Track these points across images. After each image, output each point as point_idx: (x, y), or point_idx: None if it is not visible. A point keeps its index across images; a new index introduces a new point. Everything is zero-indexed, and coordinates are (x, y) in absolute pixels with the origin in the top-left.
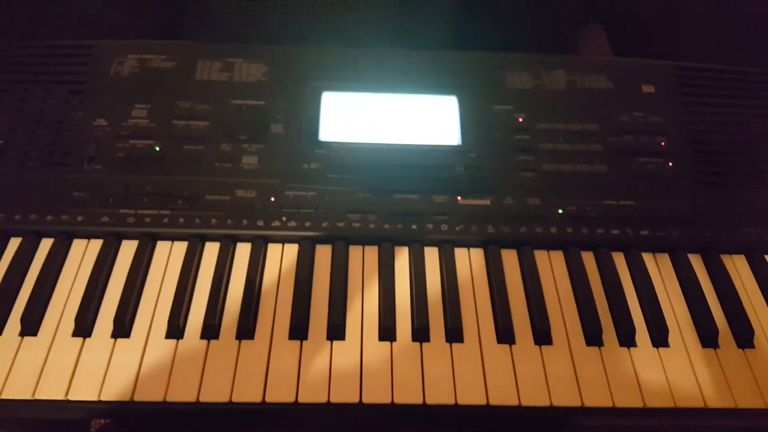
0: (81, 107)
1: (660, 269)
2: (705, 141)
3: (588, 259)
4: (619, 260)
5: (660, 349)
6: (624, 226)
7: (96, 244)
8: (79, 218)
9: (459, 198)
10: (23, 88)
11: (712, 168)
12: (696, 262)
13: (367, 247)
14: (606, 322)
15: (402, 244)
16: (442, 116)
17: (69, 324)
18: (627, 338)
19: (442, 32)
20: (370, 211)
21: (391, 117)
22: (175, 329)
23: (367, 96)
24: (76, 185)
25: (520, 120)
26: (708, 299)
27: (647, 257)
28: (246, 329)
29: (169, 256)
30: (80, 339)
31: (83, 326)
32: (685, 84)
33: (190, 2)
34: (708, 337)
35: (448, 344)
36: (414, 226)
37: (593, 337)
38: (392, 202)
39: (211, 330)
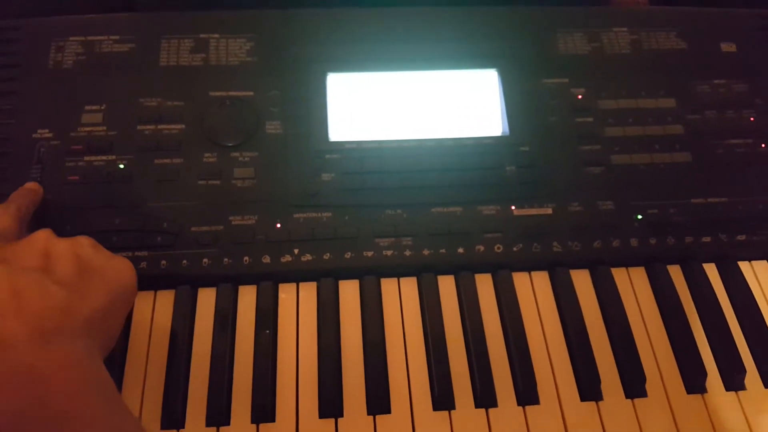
0: (14, 114)
1: (759, 280)
2: None
3: (674, 272)
4: (711, 272)
5: None
6: (716, 230)
7: None
8: None
9: (513, 208)
10: None
11: None
12: None
13: (403, 280)
14: (705, 358)
15: (447, 272)
16: (481, 97)
17: None
18: (735, 382)
19: None
20: (403, 233)
21: (418, 102)
22: (173, 419)
23: (385, 76)
24: None
25: (580, 97)
26: None
27: (743, 266)
28: (263, 410)
29: (153, 312)
30: None
31: None
32: None
33: None
34: None
35: (520, 407)
36: (461, 249)
37: (695, 384)
38: (430, 219)
39: (218, 415)
